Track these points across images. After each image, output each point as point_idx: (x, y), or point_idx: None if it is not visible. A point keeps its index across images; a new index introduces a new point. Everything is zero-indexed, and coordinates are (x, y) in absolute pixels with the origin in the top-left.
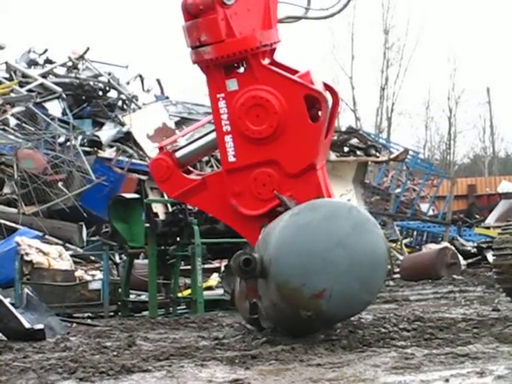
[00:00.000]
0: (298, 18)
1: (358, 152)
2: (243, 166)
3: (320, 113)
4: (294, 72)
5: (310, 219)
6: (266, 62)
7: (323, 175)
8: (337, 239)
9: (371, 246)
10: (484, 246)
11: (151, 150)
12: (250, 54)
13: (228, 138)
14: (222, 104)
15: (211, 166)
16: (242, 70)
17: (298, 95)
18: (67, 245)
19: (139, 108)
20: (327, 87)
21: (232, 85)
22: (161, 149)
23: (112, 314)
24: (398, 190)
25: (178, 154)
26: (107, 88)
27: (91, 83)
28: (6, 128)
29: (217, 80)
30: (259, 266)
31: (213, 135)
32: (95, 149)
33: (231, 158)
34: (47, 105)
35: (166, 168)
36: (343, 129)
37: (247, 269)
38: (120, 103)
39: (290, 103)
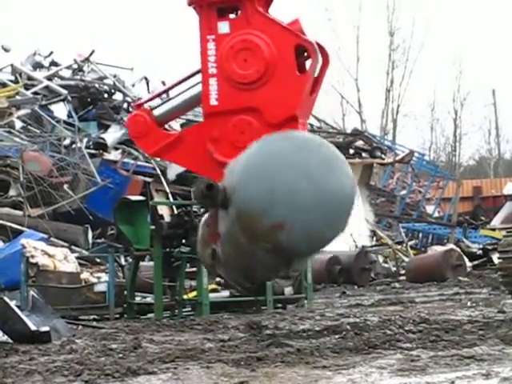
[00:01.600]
0: None
1: (364, 154)
2: (224, 111)
3: (308, 65)
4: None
5: (280, 147)
6: (260, 9)
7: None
8: (304, 172)
9: (338, 183)
10: (489, 247)
11: None
12: None
13: (213, 81)
14: (211, 45)
15: None
16: (235, 15)
17: (289, 44)
18: (73, 247)
19: None
20: (318, 46)
21: (224, 27)
22: (138, 106)
23: (117, 316)
24: (404, 192)
25: (156, 112)
26: (112, 90)
27: (96, 85)
28: (12, 130)
29: (209, 21)
30: (221, 193)
31: (191, 92)
32: (101, 151)
33: (213, 102)
34: (53, 107)
35: (143, 124)
36: (348, 131)
37: (209, 193)
38: (125, 105)
39: (280, 51)
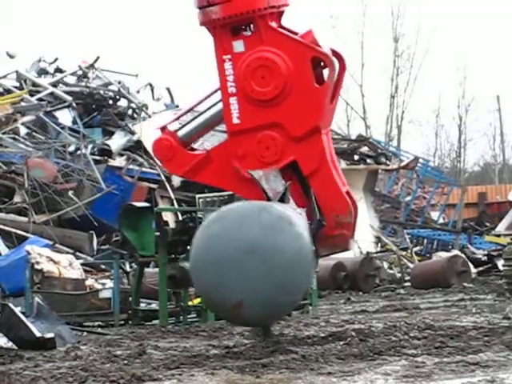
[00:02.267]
0: None
1: (368, 160)
2: (247, 129)
3: (326, 76)
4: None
5: (219, 229)
6: (273, 24)
7: (328, 141)
8: (248, 246)
9: (285, 245)
10: (494, 254)
11: None
12: (257, 15)
13: (233, 100)
14: (227, 65)
15: None
16: (248, 33)
17: (305, 57)
18: (77, 253)
19: (149, 117)
20: (334, 53)
21: (238, 46)
22: (162, 129)
23: (122, 322)
24: (409, 198)
25: (181, 133)
26: (117, 97)
27: (101, 92)
28: (17, 137)
29: (223, 41)
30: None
31: (213, 110)
32: (105, 157)
33: (235, 120)
34: (57, 114)
35: (169, 147)
36: (353, 137)
37: (172, 283)
38: (130, 112)
39: (296, 65)
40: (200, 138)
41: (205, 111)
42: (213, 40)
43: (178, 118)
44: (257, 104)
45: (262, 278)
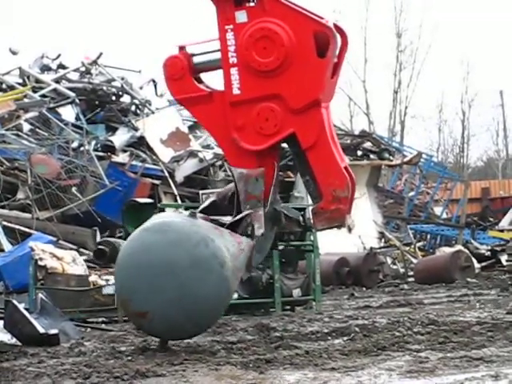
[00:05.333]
0: None
1: (372, 156)
2: (247, 100)
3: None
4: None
5: (154, 240)
6: None
7: (328, 116)
8: (172, 268)
9: (207, 284)
10: (498, 249)
11: (164, 154)
12: None
13: (234, 71)
14: (229, 35)
15: (224, 170)
16: (252, 4)
17: (307, 29)
18: (81, 250)
19: (152, 113)
20: (336, 28)
21: (241, 16)
22: (181, 48)
23: (126, 318)
24: (412, 194)
25: (196, 59)
26: (120, 93)
27: (104, 88)
28: (20, 133)
29: (226, 11)
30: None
31: None
32: (109, 154)
33: (236, 91)
34: (60, 110)
35: (180, 67)
36: (356, 132)
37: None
38: (133, 108)
39: (299, 37)
40: (211, 71)
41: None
42: (215, 10)
43: (201, 43)
44: (257, 75)
45: (174, 301)
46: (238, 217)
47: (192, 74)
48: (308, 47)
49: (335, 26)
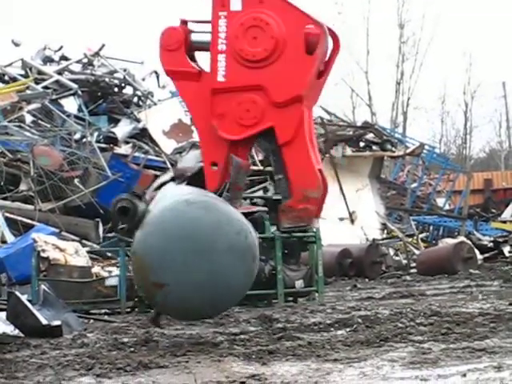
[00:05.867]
0: None
1: (374, 147)
2: (231, 88)
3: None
4: None
5: (196, 215)
6: None
7: (309, 117)
8: (207, 248)
9: (236, 274)
10: (500, 240)
11: (167, 146)
12: None
13: (221, 57)
14: (222, 22)
15: None
16: None
17: (299, 24)
18: (84, 241)
19: (155, 104)
20: (330, 31)
21: (236, 4)
22: (183, 22)
23: (129, 310)
24: (414, 185)
25: (194, 37)
26: (123, 84)
27: (107, 80)
28: (22, 125)
29: None
30: (137, 219)
31: None
32: (111, 145)
33: (220, 78)
34: (63, 101)
35: (177, 40)
36: (359, 124)
37: (124, 217)
38: (136, 99)
39: (290, 31)
40: (204, 51)
41: None
42: None
43: (203, 22)
44: (244, 64)
45: (198, 281)
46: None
47: (187, 49)
48: (297, 42)
49: (329, 29)
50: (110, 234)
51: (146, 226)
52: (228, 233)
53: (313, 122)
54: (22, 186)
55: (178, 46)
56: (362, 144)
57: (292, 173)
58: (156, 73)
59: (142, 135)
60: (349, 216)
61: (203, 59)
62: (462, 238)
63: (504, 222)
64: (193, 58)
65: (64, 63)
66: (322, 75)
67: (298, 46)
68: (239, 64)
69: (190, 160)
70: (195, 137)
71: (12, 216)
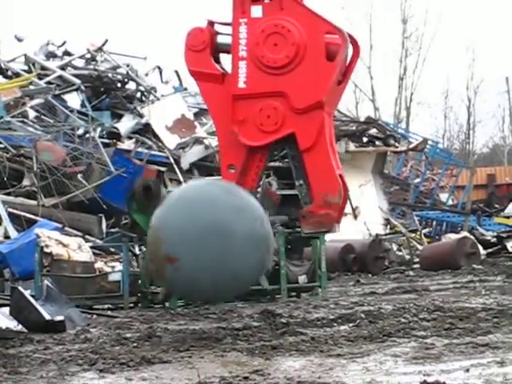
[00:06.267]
0: None
1: (377, 142)
2: (251, 94)
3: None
4: None
5: (220, 197)
6: None
7: (329, 122)
8: (224, 231)
9: (249, 260)
10: (504, 235)
11: (170, 141)
12: None
13: (242, 64)
14: (242, 29)
15: None
16: (268, 0)
17: (320, 31)
18: (87, 236)
19: (158, 99)
20: (350, 38)
21: (257, 11)
22: (210, 23)
23: (132, 305)
24: (417, 180)
25: (220, 39)
26: (126, 80)
27: (110, 75)
28: (25, 120)
29: (243, 4)
30: (159, 197)
31: None
32: (114, 140)
33: (241, 84)
34: (66, 97)
35: (203, 41)
36: (362, 119)
37: (146, 193)
38: (139, 95)
39: (310, 37)
40: (228, 53)
41: None
42: (232, 1)
43: (230, 24)
44: (265, 71)
45: (211, 261)
46: None
47: (212, 51)
48: (318, 48)
49: (349, 35)
50: (113, 230)
51: (167, 200)
52: (247, 218)
53: (333, 127)
54: (25, 182)
55: (203, 47)
56: (365, 139)
57: (313, 178)
58: (159, 68)
59: (145, 130)
60: (352, 211)
61: (228, 61)
62: (465, 233)
63: (507, 217)
64: (217, 60)
65: (67, 58)
66: (341, 81)
67: (319, 52)
68: (260, 70)
69: (193, 155)
70: (198, 132)
71: (15, 211)
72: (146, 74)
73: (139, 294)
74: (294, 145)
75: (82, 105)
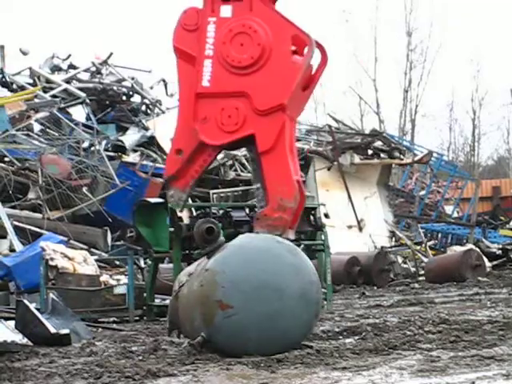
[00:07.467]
0: None
1: (382, 154)
2: (214, 93)
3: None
4: None
5: (282, 254)
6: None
7: (291, 128)
8: (281, 289)
9: (297, 322)
10: (509, 247)
11: None
12: None
13: (208, 62)
14: (210, 27)
15: (235, 170)
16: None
17: (286, 33)
18: (92, 249)
19: (163, 112)
20: (318, 45)
21: (226, 11)
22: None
23: (137, 318)
24: (423, 193)
25: None
26: (131, 93)
27: (115, 88)
28: (30, 133)
29: (213, 3)
30: (219, 242)
31: None
32: (119, 154)
33: (205, 83)
34: (71, 110)
35: (195, 22)
36: (367, 131)
37: (209, 237)
38: (144, 108)
39: (277, 39)
40: None
41: None
42: (203, 0)
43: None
44: (229, 70)
45: (262, 316)
46: None
47: None
48: (284, 51)
49: (316, 42)
50: (118, 243)
51: (230, 247)
52: (303, 280)
53: (294, 133)
54: (31, 195)
55: (195, 28)
56: (370, 152)
57: (269, 181)
58: (164, 81)
59: (150, 143)
60: (357, 224)
61: None
62: (470, 246)
63: None
64: None
65: (72, 72)
66: (307, 87)
67: (284, 54)
68: (225, 70)
69: None
70: None
71: (20, 224)
72: (151, 87)
73: (144, 307)
74: (254, 147)
75: (87, 118)
